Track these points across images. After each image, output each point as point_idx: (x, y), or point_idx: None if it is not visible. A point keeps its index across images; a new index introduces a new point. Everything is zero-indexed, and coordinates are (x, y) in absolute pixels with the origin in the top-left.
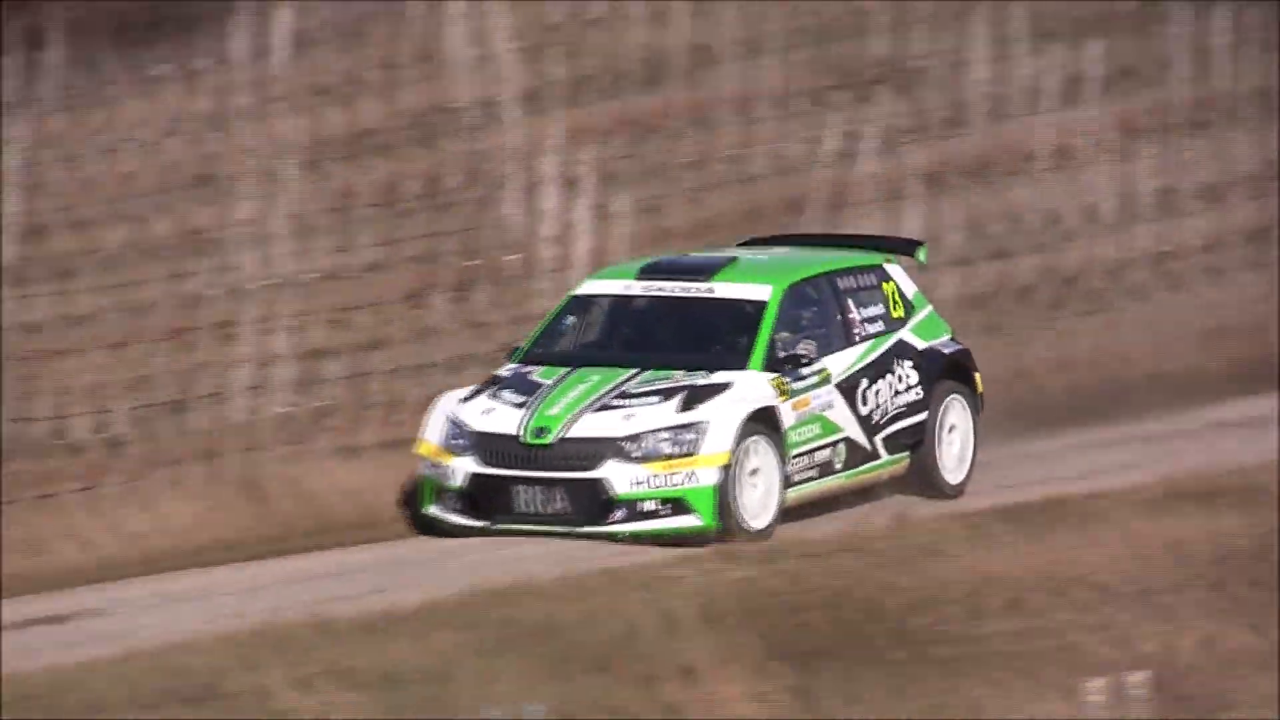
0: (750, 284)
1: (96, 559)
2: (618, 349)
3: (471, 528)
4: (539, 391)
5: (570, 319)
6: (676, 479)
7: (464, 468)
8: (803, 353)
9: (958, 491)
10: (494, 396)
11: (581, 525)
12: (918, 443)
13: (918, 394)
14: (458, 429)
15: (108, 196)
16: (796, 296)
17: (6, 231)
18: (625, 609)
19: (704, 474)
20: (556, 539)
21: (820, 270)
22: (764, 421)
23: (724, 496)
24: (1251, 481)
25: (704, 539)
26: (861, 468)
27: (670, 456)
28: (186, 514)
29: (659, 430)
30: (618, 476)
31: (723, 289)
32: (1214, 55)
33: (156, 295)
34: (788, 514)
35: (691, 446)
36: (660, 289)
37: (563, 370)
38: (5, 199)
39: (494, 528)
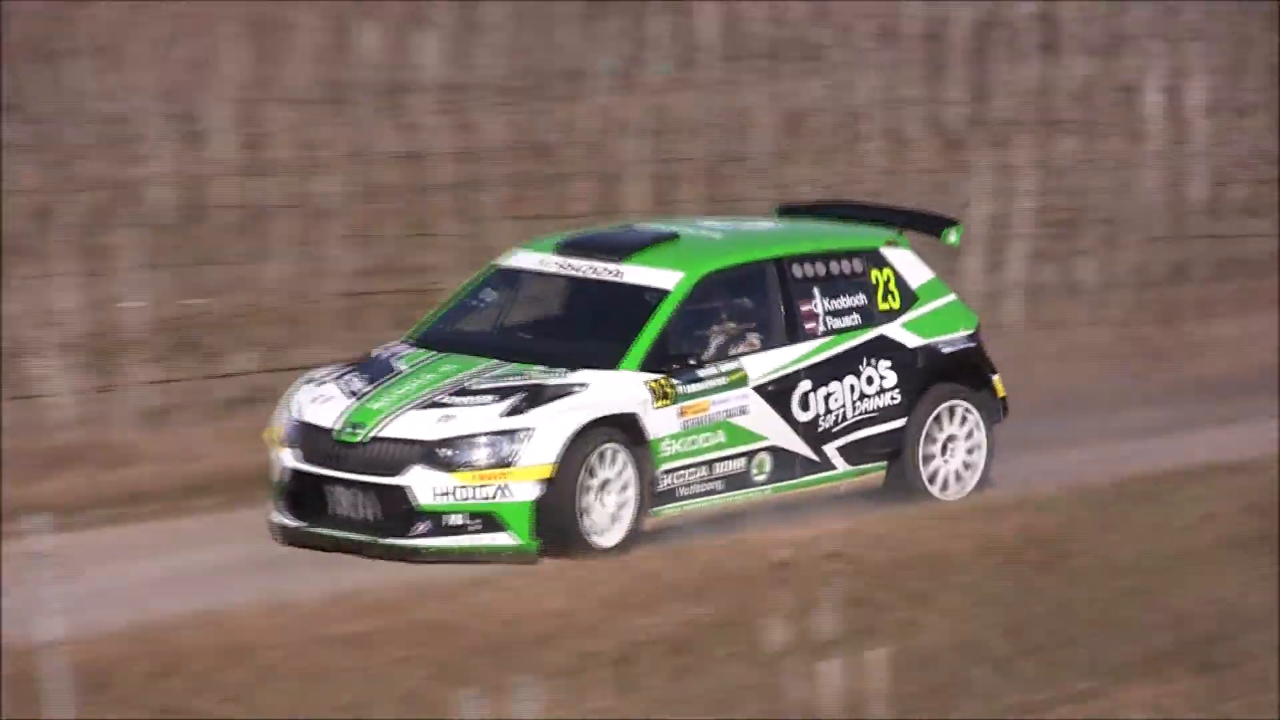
0: (662, 269)
1: None
2: (493, 335)
3: (291, 530)
4: (384, 379)
5: (487, 294)
6: (487, 491)
7: (285, 461)
8: (705, 349)
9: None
10: (340, 380)
11: (387, 536)
12: (895, 453)
13: (893, 398)
14: (291, 416)
15: None
16: (718, 286)
17: None
18: None
19: (519, 488)
20: (368, 552)
21: (761, 256)
22: (621, 428)
23: (546, 514)
24: None
25: (525, 559)
26: (801, 480)
27: (483, 466)
28: None
29: (476, 435)
30: (421, 485)
31: (631, 273)
32: None
33: None
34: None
35: (510, 456)
36: (570, 267)
37: (427, 356)
38: None
39: (306, 532)
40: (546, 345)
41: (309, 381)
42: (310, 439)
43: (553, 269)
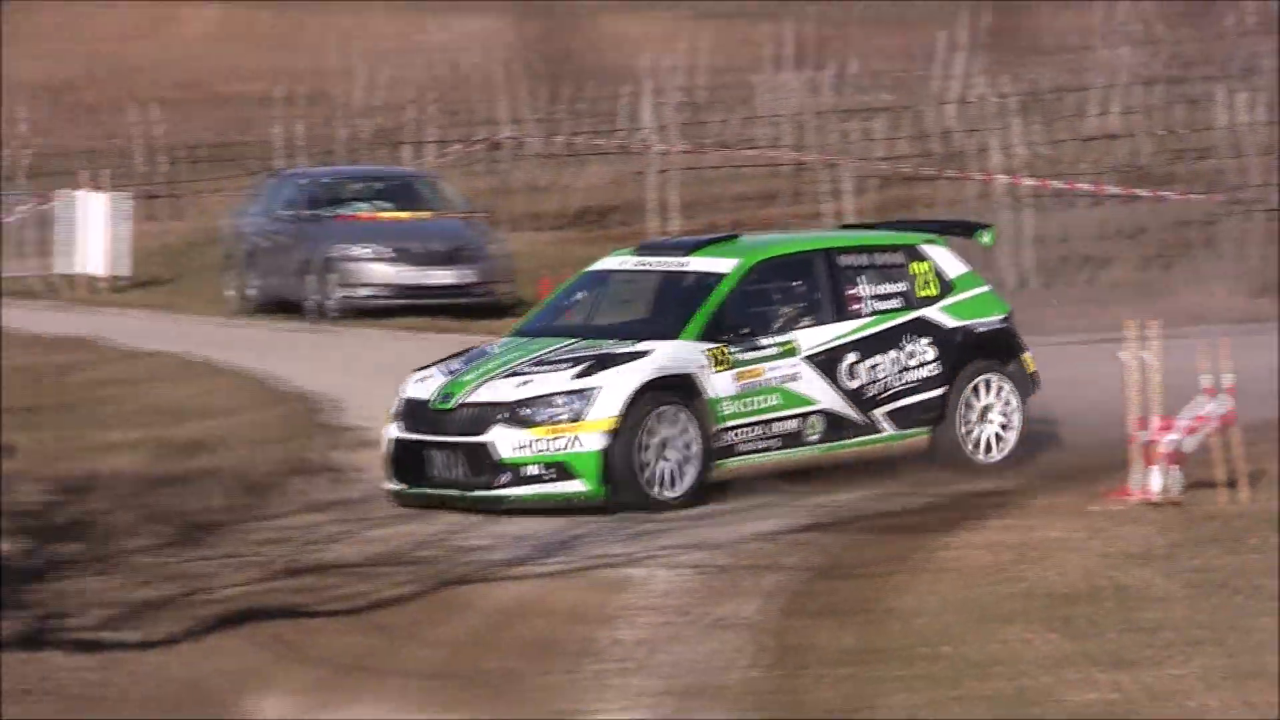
0: (721, 258)
1: None
2: (579, 320)
3: (397, 493)
4: (477, 360)
5: (577, 293)
6: (559, 444)
7: (390, 433)
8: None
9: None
10: (441, 365)
11: (475, 489)
12: (938, 419)
13: (933, 370)
14: (399, 396)
15: None
16: (769, 272)
17: None
18: None
19: (588, 439)
20: (458, 505)
21: (809, 248)
22: (679, 390)
23: (613, 462)
24: None
25: (595, 506)
26: (850, 441)
27: (556, 421)
28: None
29: (550, 395)
30: (502, 440)
31: (695, 264)
32: None
33: None
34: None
35: (579, 412)
36: (645, 264)
37: (518, 341)
38: None
39: (408, 492)
40: (621, 325)
41: (417, 370)
42: (412, 412)
43: (631, 266)
